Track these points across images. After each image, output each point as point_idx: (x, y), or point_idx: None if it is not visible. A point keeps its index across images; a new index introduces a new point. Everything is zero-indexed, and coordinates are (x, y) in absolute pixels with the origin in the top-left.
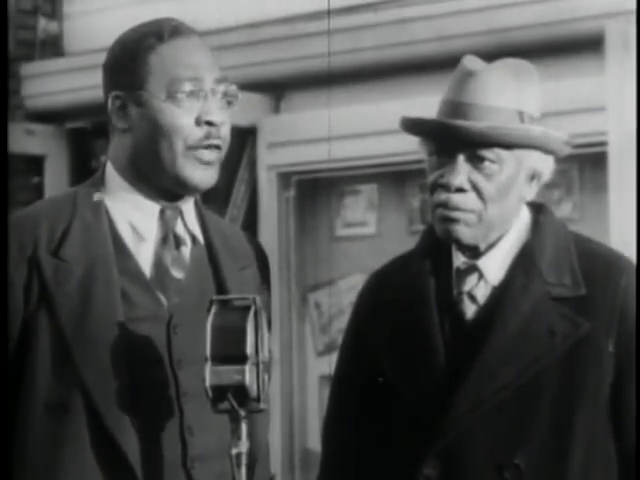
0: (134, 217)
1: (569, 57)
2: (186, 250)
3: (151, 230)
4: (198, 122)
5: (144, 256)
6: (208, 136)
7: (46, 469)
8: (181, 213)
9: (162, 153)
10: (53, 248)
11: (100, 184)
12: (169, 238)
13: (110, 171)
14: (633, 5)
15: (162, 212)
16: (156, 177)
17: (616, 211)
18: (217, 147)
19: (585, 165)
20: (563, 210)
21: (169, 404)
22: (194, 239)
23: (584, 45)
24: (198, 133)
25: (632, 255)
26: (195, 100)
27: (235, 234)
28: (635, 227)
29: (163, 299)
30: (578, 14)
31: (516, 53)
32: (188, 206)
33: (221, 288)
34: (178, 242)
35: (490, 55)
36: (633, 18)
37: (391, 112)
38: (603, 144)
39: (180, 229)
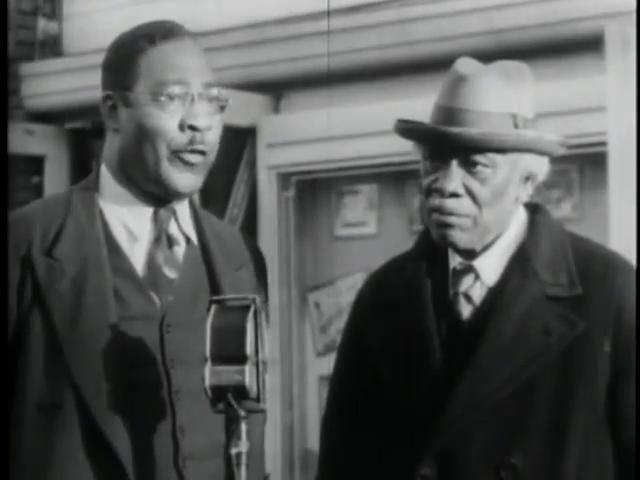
0: (127, 218)
1: (569, 57)
2: (179, 250)
3: (144, 231)
4: (182, 126)
5: (137, 256)
6: (192, 141)
7: (39, 468)
8: (175, 213)
9: (146, 155)
10: (46, 248)
11: (94, 185)
12: (162, 238)
13: (104, 172)
14: (633, 5)
15: (155, 213)
16: (140, 179)
17: (616, 211)
18: (201, 152)
19: (585, 165)
20: (563, 210)
21: (161, 403)
22: (188, 240)
23: (584, 45)
24: (182, 138)
25: (632, 255)
26: (181, 104)
27: (231, 235)
28: (635, 227)
29: (156, 298)
30: (578, 14)
31: (516, 53)
32: (182, 207)
33: (215, 288)
34: (171, 242)
35: (490, 55)
36: (633, 18)
37: (391, 112)
38: (603, 144)
39: (174, 229)
